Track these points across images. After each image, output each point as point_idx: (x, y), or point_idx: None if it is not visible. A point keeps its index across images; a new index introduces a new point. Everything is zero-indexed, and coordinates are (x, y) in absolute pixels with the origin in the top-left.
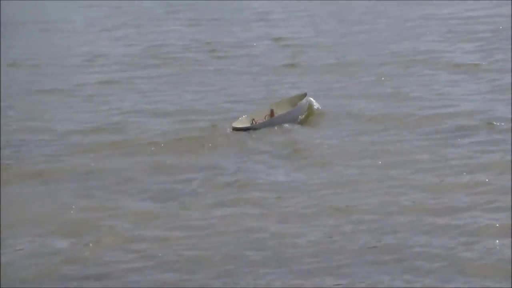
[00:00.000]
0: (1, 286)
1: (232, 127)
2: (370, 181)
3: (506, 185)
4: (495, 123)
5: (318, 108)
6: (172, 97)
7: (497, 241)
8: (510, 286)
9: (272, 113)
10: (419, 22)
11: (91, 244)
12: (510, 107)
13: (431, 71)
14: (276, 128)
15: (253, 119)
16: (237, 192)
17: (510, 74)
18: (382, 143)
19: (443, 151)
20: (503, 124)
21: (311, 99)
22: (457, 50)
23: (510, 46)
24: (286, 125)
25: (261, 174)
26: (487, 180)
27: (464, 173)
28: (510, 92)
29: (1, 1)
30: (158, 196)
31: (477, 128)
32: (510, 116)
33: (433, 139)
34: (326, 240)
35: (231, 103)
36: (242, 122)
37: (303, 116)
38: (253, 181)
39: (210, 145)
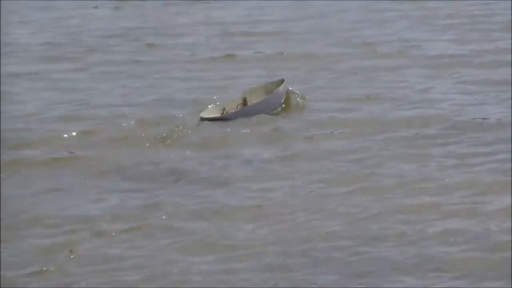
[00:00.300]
0: (1, 286)
1: (200, 117)
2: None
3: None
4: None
5: (298, 97)
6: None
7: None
8: (510, 286)
9: (245, 101)
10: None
11: None
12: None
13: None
14: (250, 119)
15: (224, 109)
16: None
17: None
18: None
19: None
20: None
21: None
22: (433, 40)
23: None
24: (262, 116)
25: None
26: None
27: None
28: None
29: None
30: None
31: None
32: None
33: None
34: None
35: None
36: (211, 111)
37: (281, 105)
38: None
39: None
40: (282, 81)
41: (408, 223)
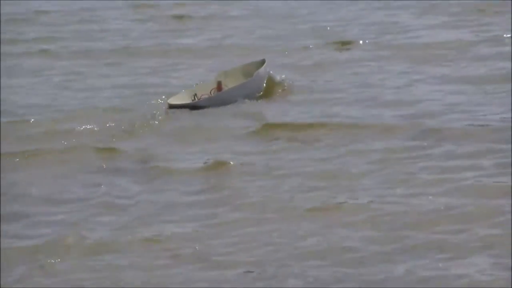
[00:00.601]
0: (1, 286)
1: (168, 104)
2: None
3: None
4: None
5: (281, 80)
6: None
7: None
8: (510, 286)
9: (219, 86)
10: None
11: None
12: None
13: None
14: (225, 106)
15: (195, 94)
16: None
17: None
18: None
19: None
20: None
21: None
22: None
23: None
24: (239, 102)
25: None
26: None
27: None
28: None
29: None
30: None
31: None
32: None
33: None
34: None
35: None
36: (181, 98)
37: (261, 90)
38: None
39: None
40: (263, 62)
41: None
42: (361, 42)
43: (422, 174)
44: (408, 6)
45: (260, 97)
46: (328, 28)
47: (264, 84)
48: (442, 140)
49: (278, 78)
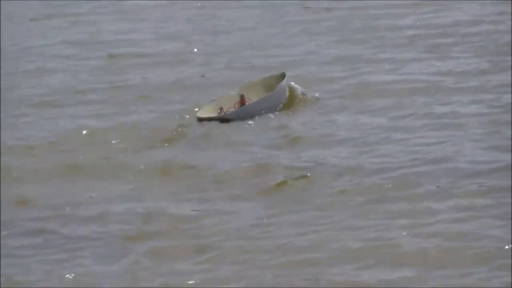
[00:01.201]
0: (1, 286)
1: (197, 117)
2: None
3: None
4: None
5: (302, 93)
6: None
7: None
8: (510, 286)
9: (242, 99)
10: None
11: None
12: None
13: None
14: (251, 120)
15: (221, 108)
16: None
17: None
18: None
19: None
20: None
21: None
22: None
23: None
24: (265, 115)
25: None
26: None
27: None
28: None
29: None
30: None
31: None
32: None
33: None
34: None
35: None
36: (208, 111)
37: (283, 102)
38: None
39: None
40: (284, 75)
41: None
42: None
43: None
44: None
45: (283, 109)
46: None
47: (286, 97)
48: None
49: (299, 90)
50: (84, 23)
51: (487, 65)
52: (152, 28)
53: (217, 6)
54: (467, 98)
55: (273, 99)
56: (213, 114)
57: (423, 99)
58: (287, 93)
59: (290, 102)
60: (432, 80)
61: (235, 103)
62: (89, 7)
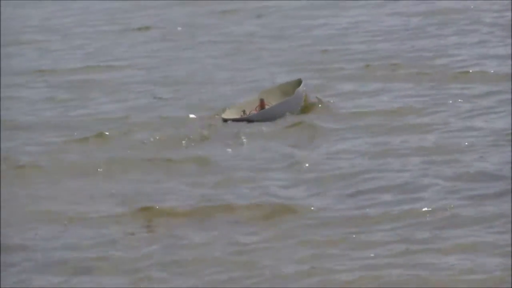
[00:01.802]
0: (1, 286)
1: (222, 118)
2: None
3: None
4: None
5: (316, 99)
6: None
7: None
8: (510, 286)
9: (262, 103)
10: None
11: None
12: None
13: None
14: (272, 122)
15: (244, 110)
16: None
17: None
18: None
19: None
20: None
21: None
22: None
23: None
24: (285, 117)
25: None
26: None
27: None
28: None
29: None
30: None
31: None
32: None
33: None
34: None
35: None
36: (232, 112)
37: (300, 107)
38: None
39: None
40: (300, 81)
41: None
42: None
43: None
44: None
45: (301, 112)
46: None
47: (302, 101)
48: None
49: (312, 97)
50: None
51: None
52: None
53: None
54: None
55: (291, 103)
56: (237, 116)
57: None
58: (303, 98)
59: (306, 106)
60: None
61: (256, 107)
62: None
